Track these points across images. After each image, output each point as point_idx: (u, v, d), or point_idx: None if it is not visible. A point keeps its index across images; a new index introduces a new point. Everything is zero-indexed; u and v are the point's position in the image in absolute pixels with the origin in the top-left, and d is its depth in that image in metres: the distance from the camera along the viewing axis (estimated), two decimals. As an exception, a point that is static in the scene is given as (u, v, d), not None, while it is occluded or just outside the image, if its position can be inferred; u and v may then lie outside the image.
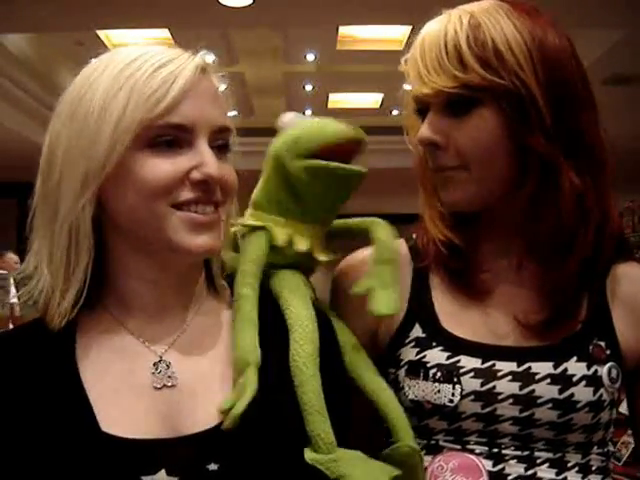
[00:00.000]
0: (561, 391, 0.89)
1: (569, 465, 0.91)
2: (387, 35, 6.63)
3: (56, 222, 0.78)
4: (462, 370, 0.91)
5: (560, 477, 0.90)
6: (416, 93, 0.93)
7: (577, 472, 0.91)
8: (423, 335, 0.94)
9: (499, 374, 0.90)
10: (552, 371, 0.90)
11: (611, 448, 0.98)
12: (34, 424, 0.76)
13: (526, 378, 0.90)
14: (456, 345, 0.93)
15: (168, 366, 0.80)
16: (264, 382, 0.79)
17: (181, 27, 5.40)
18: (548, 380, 0.90)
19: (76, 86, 0.80)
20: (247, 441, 0.76)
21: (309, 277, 0.99)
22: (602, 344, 0.94)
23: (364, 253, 1.03)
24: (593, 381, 0.90)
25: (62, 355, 0.80)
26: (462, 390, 0.90)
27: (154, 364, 0.80)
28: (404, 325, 0.96)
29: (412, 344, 0.95)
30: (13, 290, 4.63)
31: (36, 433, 0.75)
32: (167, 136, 0.77)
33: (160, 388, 0.79)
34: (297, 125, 0.92)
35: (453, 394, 0.90)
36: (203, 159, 0.77)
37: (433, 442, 0.92)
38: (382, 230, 0.97)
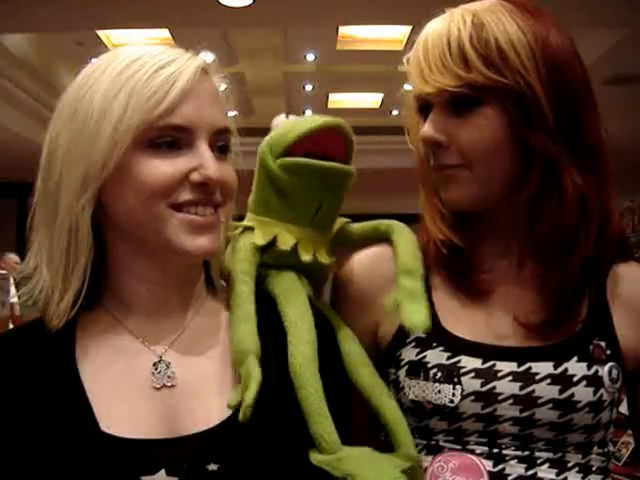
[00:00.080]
0: (561, 391, 0.89)
1: (569, 465, 0.91)
2: (387, 35, 6.63)
3: (56, 222, 0.78)
4: (462, 370, 0.91)
5: (560, 477, 0.90)
6: (419, 92, 0.93)
7: (577, 472, 0.91)
8: (423, 335, 0.94)
9: (499, 374, 0.90)
10: (552, 371, 0.90)
11: (611, 448, 0.98)
12: (33, 424, 0.76)
13: (526, 378, 0.90)
14: (456, 345, 0.93)
15: (168, 366, 0.80)
16: (265, 383, 0.79)
17: (181, 27, 5.41)
18: (548, 380, 0.89)
19: (76, 86, 0.80)
20: (247, 441, 0.76)
21: (320, 281, 0.99)
22: (602, 344, 0.94)
23: (365, 253, 1.03)
24: (593, 381, 0.90)
25: (62, 355, 0.80)
26: (462, 390, 0.90)
27: (154, 364, 0.80)
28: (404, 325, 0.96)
29: (412, 344, 0.95)
30: (13, 290, 4.64)
31: (35, 433, 0.75)
32: (167, 137, 0.76)
33: (160, 388, 0.79)
34: (280, 124, 0.94)
35: (453, 394, 0.90)
36: (203, 161, 0.77)
37: (433, 442, 0.92)
38: (403, 236, 0.98)
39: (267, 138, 0.94)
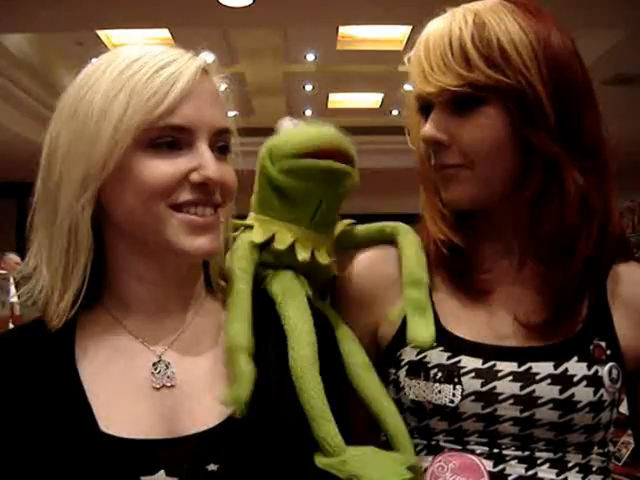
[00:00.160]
0: (562, 391, 0.89)
1: (569, 465, 0.91)
2: (387, 35, 6.63)
3: (55, 222, 0.78)
4: (463, 370, 0.90)
5: (561, 477, 0.89)
6: (420, 92, 0.93)
7: (577, 472, 0.91)
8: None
9: (500, 374, 0.90)
10: (553, 371, 0.90)
11: (611, 448, 0.98)
12: (33, 424, 0.76)
13: (527, 378, 0.90)
14: (457, 345, 0.93)
15: (167, 366, 0.80)
16: (265, 384, 0.79)
17: (181, 27, 5.41)
18: (549, 380, 0.89)
19: (76, 86, 0.79)
20: (247, 441, 0.76)
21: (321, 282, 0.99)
22: (602, 344, 0.94)
23: (366, 254, 1.03)
24: (594, 381, 0.90)
25: (61, 355, 0.80)
26: (463, 390, 0.90)
27: (153, 364, 0.80)
28: (404, 325, 0.96)
29: (413, 344, 0.94)
30: (13, 290, 4.64)
31: (35, 433, 0.75)
32: (167, 137, 0.76)
33: (159, 388, 0.79)
34: (283, 131, 0.94)
35: (454, 394, 0.90)
36: (203, 161, 0.77)
37: (433, 442, 0.92)
38: (408, 240, 0.98)
39: (268, 143, 0.94)
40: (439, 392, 0.90)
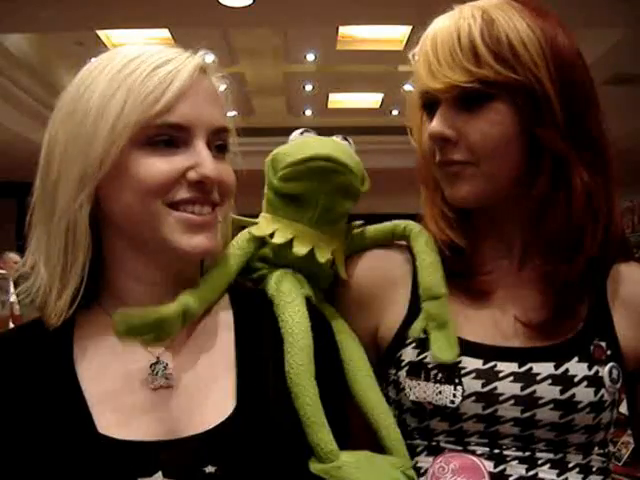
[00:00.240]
0: (562, 392, 0.89)
1: (570, 466, 0.90)
2: (387, 35, 6.63)
3: (53, 220, 0.78)
4: (463, 371, 0.90)
5: (561, 478, 0.89)
6: (426, 88, 0.92)
7: (578, 473, 0.91)
8: (424, 336, 0.94)
9: (500, 375, 0.90)
10: (553, 372, 0.90)
11: (611, 448, 0.98)
12: (31, 425, 0.75)
13: (527, 379, 0.90)
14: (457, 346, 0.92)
15: (165, 367, 0.80)
16: (262, 387, 0.79)
17: (181, 27, 5.41)
18: (549, 381, 0.89)
19: (75, 86, 0.80)
20: (244, 444, 0.76)
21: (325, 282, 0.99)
22: (603, 344, 0.93)
23: (366, 254, 1.02)
24: (594, 382, 0.90)
25: (59, 356, 0.80)
26: (463, 391, 0.89)
27: (151, 365, 0.80)
28: (405, 326, 0.96)
29: (413, 345, 0.94)
30: (12, 289, 4.63)
31: (33, 434, 0.75)
32: (164, 136, 0.76)
33: (157, 389, 0.79)
34: (289, 142, 0.96)
35: (454, 395, 0.90)
36: (200, 159, 0.77)
37: (434, 443, 0.92)
38: (423, 248, 0.97)
39: (274, 152, 0.96)
40: (440, 393, 0.90)
